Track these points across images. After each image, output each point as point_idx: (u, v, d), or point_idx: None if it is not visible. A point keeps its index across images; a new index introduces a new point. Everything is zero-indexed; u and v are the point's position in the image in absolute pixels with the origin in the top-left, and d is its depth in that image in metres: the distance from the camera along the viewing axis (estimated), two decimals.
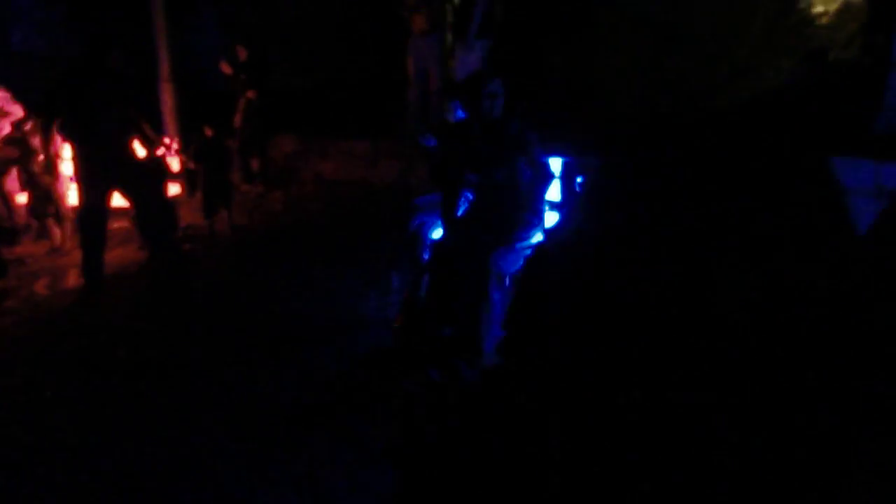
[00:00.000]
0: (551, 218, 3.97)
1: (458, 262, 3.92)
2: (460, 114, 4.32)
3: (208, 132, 6.43)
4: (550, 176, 3.97)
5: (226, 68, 7.69)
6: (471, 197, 4.14)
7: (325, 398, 3.62)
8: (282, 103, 8.17)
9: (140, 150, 5.43)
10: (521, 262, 3.94)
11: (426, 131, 4.45)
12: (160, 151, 5.96)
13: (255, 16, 9.38)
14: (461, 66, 6.93)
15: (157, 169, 5.85)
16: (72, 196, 6.02)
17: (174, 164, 6.80)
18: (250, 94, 7.59)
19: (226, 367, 3.97)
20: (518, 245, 3.93)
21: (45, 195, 6.15)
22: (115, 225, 6.15)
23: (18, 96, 6.02)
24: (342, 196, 7.34)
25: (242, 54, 7.67)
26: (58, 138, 5.60)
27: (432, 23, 7.25)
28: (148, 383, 3.81)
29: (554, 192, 4.06)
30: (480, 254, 3.85)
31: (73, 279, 5.49)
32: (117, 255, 5.90)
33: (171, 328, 4.51)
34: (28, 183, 6.18)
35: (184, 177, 7.24)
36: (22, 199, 6.35)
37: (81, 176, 5.14)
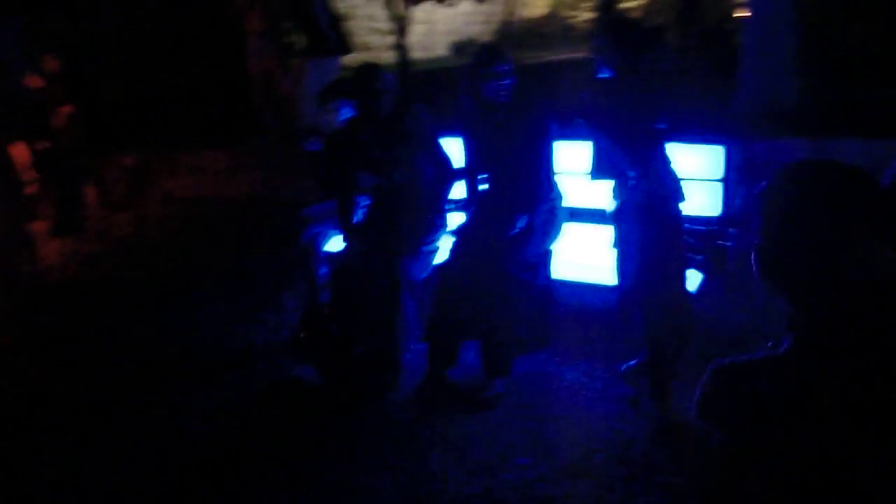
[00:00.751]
0: (456, 219, 3.74)
1: (362, 273, 3.61)
2: (346, 113, 4.00)
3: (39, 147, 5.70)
4: (452, 172, 3.73)
5: (34, 81, 6.55)
6: (366, 201, 3.84)
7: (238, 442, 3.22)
8: (116, 116, 7.43)
9: None
10: (430, 268, 3.69)
11: (308, 135, 4.09)
12: None
13: (68, 21, 8.45)
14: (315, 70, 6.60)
15: None
16: None
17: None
18: (67, 108, 6.63)
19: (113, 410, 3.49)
20: (425, 249, 3.68)
21: None
22: None
23: None
24: (199, 214, 6.75)
25: (52, 65, 6.64)
26: None
27: (268, 22, 6.82)
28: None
29: (458, 191, 3.82)
30: (386, 262, 3.57)
31: None
32: None
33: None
34: None
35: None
36: None
37: None
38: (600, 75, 3.08)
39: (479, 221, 3.58)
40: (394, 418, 3.28)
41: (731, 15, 8.57)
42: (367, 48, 10.50)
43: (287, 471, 2.96)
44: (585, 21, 12.49)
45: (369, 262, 3.60)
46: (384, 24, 10.86)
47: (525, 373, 3.46)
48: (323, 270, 3.99)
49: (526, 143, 3.49)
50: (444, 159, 3.70)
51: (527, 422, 3.17)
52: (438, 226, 3.74)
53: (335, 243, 4.00)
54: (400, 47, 10.02)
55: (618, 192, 3.12)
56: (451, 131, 3.78)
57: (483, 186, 3.68)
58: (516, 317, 3.38)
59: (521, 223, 3.42)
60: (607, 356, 3.54)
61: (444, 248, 3.72)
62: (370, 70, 3.63)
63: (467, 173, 3.74)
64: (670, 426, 3.01)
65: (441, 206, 3.73)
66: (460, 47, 12.43)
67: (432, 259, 3.71)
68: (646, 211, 3.00)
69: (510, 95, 3.45)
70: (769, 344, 1.35)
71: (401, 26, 10.17)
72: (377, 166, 3.68)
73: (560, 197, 3.57)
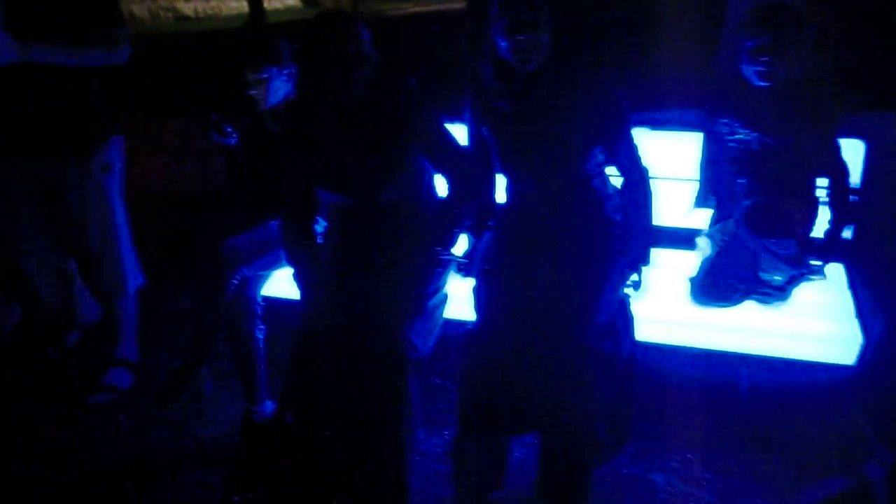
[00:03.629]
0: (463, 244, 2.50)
1: (332, 343, 2.29)
2: (280, 89, 2.63)
3: None
4: (476, 185, 2.46)
5: None
6: (326, 227, 2.52)
7: None
8: None
9: None
10: (438, 331, 2.43)
11: (217, 122, 2.67)
12: None
13: None
14: None
15: None
16: None
17: None
18: None
19: None
20: (430, 304, 2.40)
21: None
22: None
23: None
24: None
25: None
26: None
27: None
28: None
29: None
30: (373, 326, 2.28)
31: None
32: None
33: None
34: None
35: None
36: None
37: None
38: None
39: (516, 255, 2.36)
40: None
41: None
42: None
43: None
44: None
45: (345, 324, 2.29)
46: None
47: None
48: (260, 334, 2.63)
49: (585, 132, 2.29)
50: (461, 164, 2.42)
51: None
52: (445, 265, 2.48)
53: (279, 286, 2.66)
54: None
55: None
56: (455, 117, 2.50)
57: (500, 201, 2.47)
58: (594, 408, 2.21)
59: (596, 262, 2.26)
60: (706, 448, 2.46)
61: (454, 296, 2.49)
62: (338, 22, 2.25)
63: (484, 184, 2.50)
64: None
65: (453, 235, 2.45)
66: None
67: (441, 316, 2.46)
68: None
69: (552, 58, 2.22)
70: None
71: None
72: (348, 179, 2.35)
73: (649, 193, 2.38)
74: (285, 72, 2.62)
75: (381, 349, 2.23)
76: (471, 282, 2.42)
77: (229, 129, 2.64)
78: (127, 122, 2.95)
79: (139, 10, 16.52)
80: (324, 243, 2.47)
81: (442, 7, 16.06)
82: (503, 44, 2.18)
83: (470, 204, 2.44)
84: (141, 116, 5.40)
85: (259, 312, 2.62)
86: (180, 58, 9.67)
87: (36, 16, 2.60)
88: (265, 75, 2.59)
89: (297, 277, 2.39)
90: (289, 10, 18.19)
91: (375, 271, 2.36)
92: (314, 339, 2.30)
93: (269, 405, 2.69)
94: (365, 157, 2.28)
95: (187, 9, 17.94)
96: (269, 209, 2.69)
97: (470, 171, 2.42)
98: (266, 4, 14.82)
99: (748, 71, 2.34)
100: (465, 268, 2.47)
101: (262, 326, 2.63)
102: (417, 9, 17.66)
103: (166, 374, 2.75)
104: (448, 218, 2.41)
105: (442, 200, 2.46)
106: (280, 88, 2.65)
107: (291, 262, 2.40)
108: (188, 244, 4.08)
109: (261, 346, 2.62)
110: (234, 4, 17.94)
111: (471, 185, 2.43)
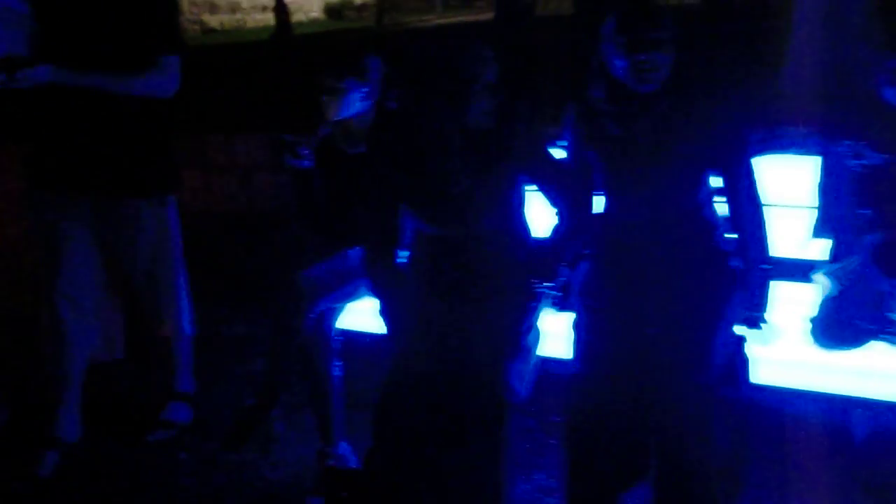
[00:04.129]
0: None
1: (428, 389, 2.11)
2: (356, 108, 2.47)
3: None
4: (584, 212, 2.26)
5: None
6: (411, 257, 2.33)
7: None
8: None
9: None
10: (535, 373, 2.24)
11: (296, 144, 2.49)
12: None
13: None
14: None
15: None
16: None
17: None
18: None
19: None
20: (525, 342, 2.21)
21: None
22: None
23: None
24: None
25: None
26: None
27: None
28: None
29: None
30: (469, 371, 2.09)
31: None
32: None
33: None
34: None
35: None
36: None
37: None
38: None
39: (621, 289, 2.17)
40: None
41: None
42: None
43: None
44: None
45: (438, 367, 2.11)
46: None
47: None
48: (337, 371, 2.45)
49: (702, 158, 2.11)
50: (568, 186, 2.23)
51: None
52: (541, 299, 2.28)
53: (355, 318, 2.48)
54: None
55: None
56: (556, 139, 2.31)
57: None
58: (711, 459, 2.01)
59: (711, 298, 2.07)
60: (825, 498, 2.26)
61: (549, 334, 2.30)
62: (472, 50, 2.03)
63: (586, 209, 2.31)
64: None
65: (556, 267, 2.25)
66: None
67: (536, 355, 2.27)
68: None
69: (669, 77, 2.04)
70: None
71: None
72: (448, 207, 2.15)
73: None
74: (364, 89, 2.46)
75: (479, 395, 2.05)
76: (565, 316, 2.24)
77: (305, 152, 2.46)
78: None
79: None
80: (410, 275, 2.29)
81: (467, 18, 15.95)
82: (620, 63, 2.00)
83: (574, 232, 2.25)
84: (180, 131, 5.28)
85: (336, 348, 2.44)
86: (213, 71, 9.58)
87: (90, 38, 2.45)
88: (345, 85, 2.43)
89: (385, 313, 2.21)
90: (313, 22, 18.09)
91: (470, 307, 2.18)
92: (403, 381, 2.12)
93: (344, 446, 2.51)
94: (470, 185, 2.09)
95: (213, 21, 17.87)
96: (347, 237, 2.53)
97: (575, 194, 2.24)
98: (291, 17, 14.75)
99: (890, 92, 2.14)
100: (560, 301, 2.28)
101: (338, 363, 2.44)
102: (441, 21, 17.56)
103: (235, 414, 2.57)
104: (552, 248, 2.22)
105: (548, 230, 2.27)
106: (354, 103, 2.49)
107: (378, 296, 2.22)
108: (236, 266, 3.93)
109: (338, 383, 2.44)
110: (258, 17, 17.87)
111: (576, 209, 2.24)
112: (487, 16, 11.14)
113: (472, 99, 1.97)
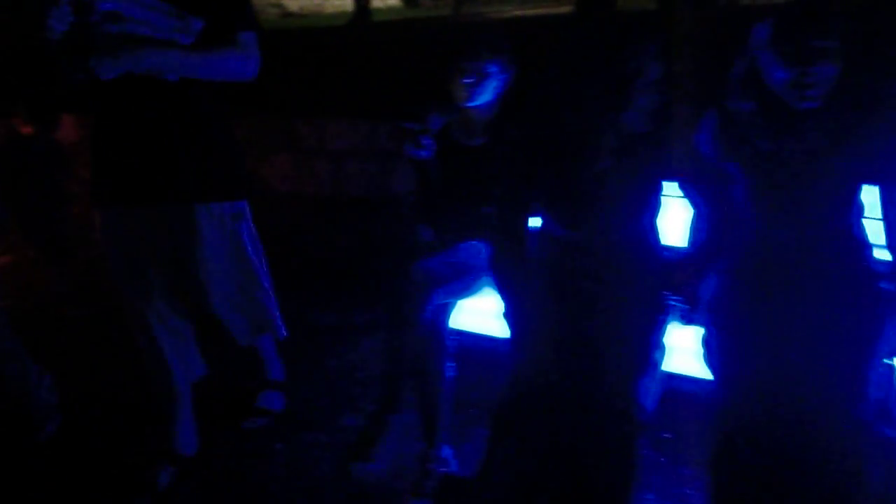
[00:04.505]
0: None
1: (554, 403, 2.00)
2: (489, 96, 2.37)
3: None
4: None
5: None
6: (541, 261, 2.22)
7: None
8: None
9: None
10: (660, 388, 2.12)
11: (421, 133, 2.38)
12: None
13: None
14: None
15: None
16: None
17: None
18: None
19: None
20: (654, 357, 2.09)
21: None
22: None
23: None
24: None
25: None
26: None
27: None
28: None
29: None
30: (598, 386, 1.98)
31: None
32: None
33: None
34: None
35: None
36: None
37: None
38: None
39: (760, 308, 2.02)
40: None
41: None
42: None
43: None
44: None
45: (565, 380, 2.00)
46: None
47: None
48: (450, 372, 2.36)
49: (858, 176, 1.95)
50: (713, 200, 2.10)
51: None
52: (669, 312, 2.15)
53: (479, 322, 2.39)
54: None
55: None
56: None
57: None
58: (862, 499, 1.86)
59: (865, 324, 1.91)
60: None
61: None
62: (649, 45, 1.89)
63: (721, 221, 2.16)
64: None
65: (691, 279, 2.12)
66: None
67: (662, 370, 2.14)
68: None
69: (831, 94, 1.87)
70: None
71: None
72: (587, 211, 2.03)
73: None
74: (502, 77, 2.36)
75: (609, 412, 1.93)
76: (693, 331, 2.11)
77: (427, 142, 2.37)
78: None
79: None
80: (538, 279, 2.18)
81: (544, 11, 15.71)
82: (780, 75, 1.81)
83: (712, 245, 2.11)
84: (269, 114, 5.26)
85: (450, 349, 2.34)
86: (294, 55, 9.59)
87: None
88: (487, 69, 2.33)
89: (510, 315, 2.10)
90: (390, 9, 18.09)
91: (600, 318, 2.06)
92: (527, 391, 2.02)
93: (447, 450, 2.42)
94: (616, 189, 1.97)
95: (292, 5, 18.01)
96: (458, 231, 2.43)
97: (715, 206, 2.10)
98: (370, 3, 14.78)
99: None
100: (688, 315, 2.14)
101: (451, 364, 2.35)
102: (518, 12, 17.34)
103: (363, 419, 2.47)
104: (687, 260, 2.09)
105: (684, 241, 2.14)
106: (489, 90, 2.38)
107: (505, 297, 2.12)
108: (325, 251, 3.86)
109: (449, 385, 2.35)
110: (336, 2, 17.95)
111: (716, 221, 2.10)
112: (567, 8, 10.94)
113: (632, 97, 1.84)
